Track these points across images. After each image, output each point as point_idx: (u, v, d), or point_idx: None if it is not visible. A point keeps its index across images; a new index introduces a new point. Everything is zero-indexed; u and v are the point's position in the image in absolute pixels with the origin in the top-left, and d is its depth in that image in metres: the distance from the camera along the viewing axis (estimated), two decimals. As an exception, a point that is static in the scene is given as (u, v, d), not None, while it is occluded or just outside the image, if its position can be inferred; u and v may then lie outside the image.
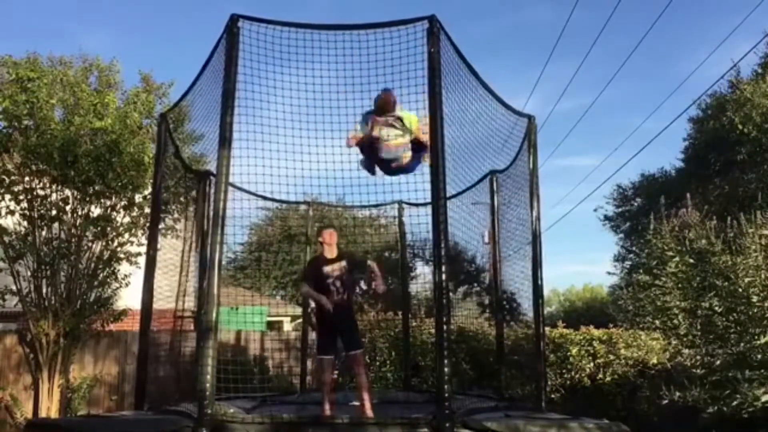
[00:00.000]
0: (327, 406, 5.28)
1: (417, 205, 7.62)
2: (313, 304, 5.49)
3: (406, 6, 51.36)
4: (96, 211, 8.74)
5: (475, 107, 5.16)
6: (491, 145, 5.90)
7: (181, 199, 7.56)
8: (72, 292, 8.54)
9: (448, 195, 4.46)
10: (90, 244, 8.81)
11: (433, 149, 4.28)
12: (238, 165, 4.53)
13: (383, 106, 5.03)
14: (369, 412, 5.08)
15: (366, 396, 5.24)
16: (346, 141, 5.22)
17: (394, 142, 5.06)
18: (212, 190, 5.57)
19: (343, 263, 5.41)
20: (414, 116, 5.02)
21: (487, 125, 5.50)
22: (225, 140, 4.21)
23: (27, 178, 8.44)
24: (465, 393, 6.54)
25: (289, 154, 4.77)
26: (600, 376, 8.74)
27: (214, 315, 4.06)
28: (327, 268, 5.38)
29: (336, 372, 8.82)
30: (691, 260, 6.32)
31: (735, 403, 5.50)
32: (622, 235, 20.40)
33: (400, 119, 5.06)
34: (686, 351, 6.72)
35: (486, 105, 5.35)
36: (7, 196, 8.35)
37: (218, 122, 4.25)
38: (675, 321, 6.61)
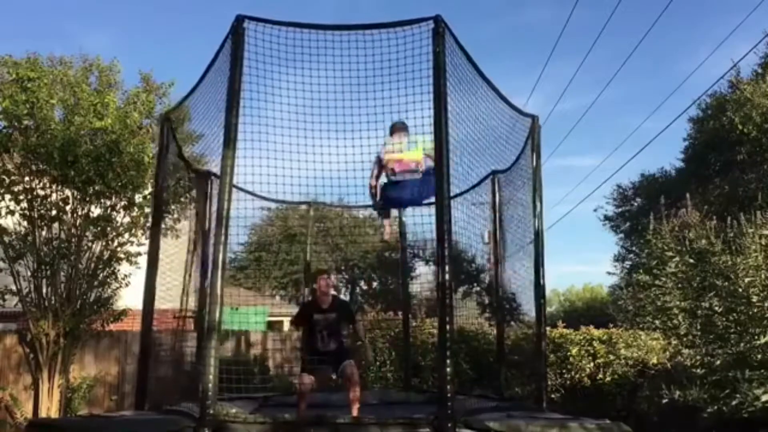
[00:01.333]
0: (302, 406, 5.30)
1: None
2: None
3: (409, 7, 51.32)
4: (96, 211, 8.73)
5: (480, 107, 5.16)
6: (495, 145, 5.91)
7: (182, 199, 7.57)
8: (72, 292, 8.53)
9: (451, 195, 4.45)
10: (90, 244, 8.80)
11: (437, 149, 4.28)
12: (241, 165, 4.53)
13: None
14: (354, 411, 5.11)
15: (355, 402, 5.25)
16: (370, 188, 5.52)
17: (407, 156, 5.21)
18: (214, 190, 5.57)
19: (333, 315, 5.55)
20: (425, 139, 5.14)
21: (491, 125, 5.51)
22: (230, 141, 4.20)
23: (27, 178, 8.42)
24: (466, 393, 6.54)
25: (293, 155, 4.77)
26: (600, 376, 8.76)
27: (216, 315, 4.06)
28: (316, 317, 5.53)
29: (335, 374, 8.85)
30: (691, 260, 6.34)
31: (735, 402, 5.52)
32: (622, 235, 20.44)
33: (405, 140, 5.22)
34: (686, 351, 6.74)
35: (490, 105, 5.35)
36: (7, 196, 8.34)
37: (222, 123, 4.25)
38: (675, 321, 6.63)
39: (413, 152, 5.41)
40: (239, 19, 4.30)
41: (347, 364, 5.38)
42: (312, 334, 5.52)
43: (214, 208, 4.70)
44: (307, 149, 4.74)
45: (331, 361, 5.45)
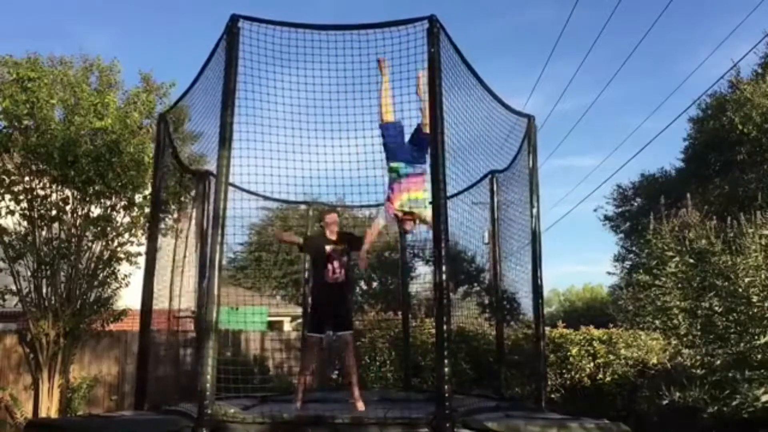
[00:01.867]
0: (299, 396, 5.32)
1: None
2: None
3: (410, 6, 51.35)
4: (96, 211, 8.74)
5: (475, 107, 5.17)
6: (491, 145, 5.91)
7: (181, 199, 7.57)
8: (72, 292, 8.54)
9: (448, 194, 4.45)
10: (90, 244, 8.81)
11: (433, 149, 4.28)
12: (238, 165, 4.55)
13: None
14: (359, 404, 5.12)
15: (354, 383, 5.28)
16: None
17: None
18: (212, 190, 5.57)
19: (343, 246, 5.58)
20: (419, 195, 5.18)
21: (487, 125, 5.51)
22: (225, 140, 4.21)
23: (27, 178, 8.43)
24: (465, 393, 6.53)
25: (290, 154, 4.79)
26: (600, 376, 8.74)
27: (214, 315, 4.06)
28: (328, 247, 5.54)
29: (336, 371, 8.85)
30: (691, 260, 6.33)
31: (735, 403, 5.51)
32: (622, 235, 20.42)
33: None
34: (686, 351, 6.74)
35: (486, 105, 5.36)
36: (7, 196, 8.35)
37: (218, 122, 4.25)
38: (675, 321, 6.62)
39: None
40: (234, 19, 4.31)
41: (347, 333, 5.47)
42: (324, 264, 5.56)
43: (212, 207, 4.69)
44: (303, 149, 4.75)
45: (332, 310, 5.46)
